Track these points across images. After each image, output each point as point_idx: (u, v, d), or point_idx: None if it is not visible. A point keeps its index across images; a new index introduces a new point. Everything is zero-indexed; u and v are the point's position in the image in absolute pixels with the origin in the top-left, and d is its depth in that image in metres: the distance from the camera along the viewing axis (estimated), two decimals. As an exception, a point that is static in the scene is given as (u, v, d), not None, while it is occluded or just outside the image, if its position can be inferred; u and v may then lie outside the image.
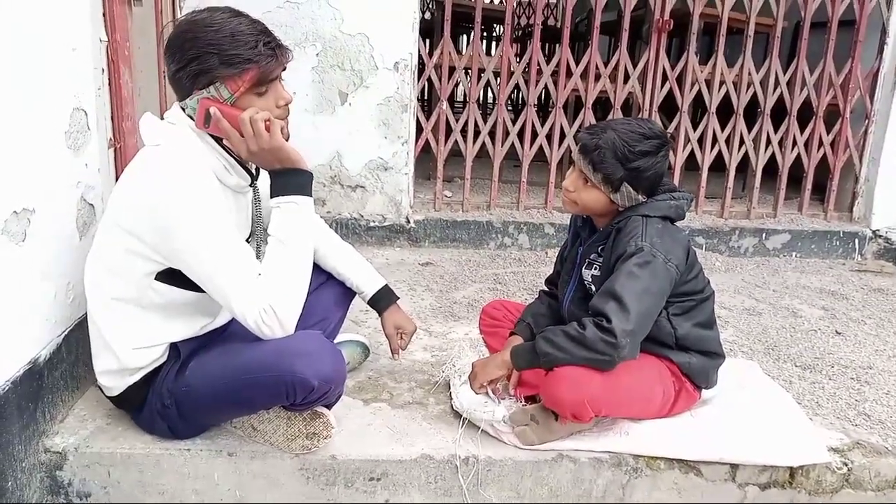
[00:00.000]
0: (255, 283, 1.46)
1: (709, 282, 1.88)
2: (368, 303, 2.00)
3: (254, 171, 1.64)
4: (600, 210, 1.80)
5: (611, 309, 1.64)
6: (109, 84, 2.07)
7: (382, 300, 1.99)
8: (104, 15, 2.02)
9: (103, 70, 2.02)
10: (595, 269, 1.82)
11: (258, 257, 1.57)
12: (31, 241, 1.59)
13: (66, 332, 1.77)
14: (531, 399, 1.82)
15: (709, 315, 1.87)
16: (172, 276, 1.53)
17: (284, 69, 1.56)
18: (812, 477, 1.79)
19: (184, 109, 1.52)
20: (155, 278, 1.53)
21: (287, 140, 1.55)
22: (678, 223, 1.84)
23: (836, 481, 1.80)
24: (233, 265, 1.45)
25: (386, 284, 2.01)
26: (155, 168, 1.48)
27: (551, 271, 2.09)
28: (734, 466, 1.77)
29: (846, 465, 1.81)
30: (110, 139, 2.09)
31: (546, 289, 2.09)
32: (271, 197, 1.53)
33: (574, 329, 1.67)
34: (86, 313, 1.65)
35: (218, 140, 1.54)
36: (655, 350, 1.79)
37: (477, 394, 1.83)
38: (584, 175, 1.76)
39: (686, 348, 1.81)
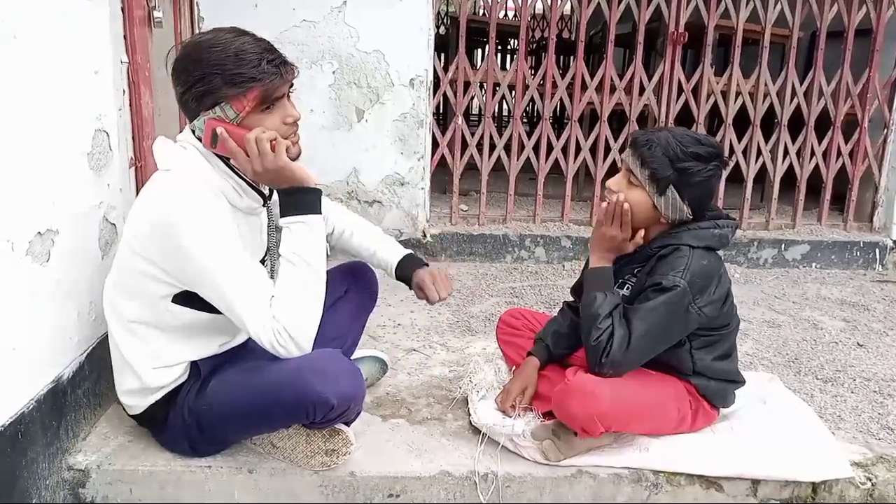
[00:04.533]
0: (267, 304, 1.47)
1: (736, 309, 1.85)
2: (396, 272, 1.93)
3: (266, 192, 1.64)
4: (642, 218, 1.73)
5: (619, 338, 1.65)
6: (130, 105, 2.10)
7: (409, 265, 1.92)
8: (125, 37, 2.06)
9: (124, 91, 2.05)
10: (626, 288, 1.80)
11: (273, 277, 1.57)
12: (54, 261, 1.61)
13: (88, 351, 1.79)
14: (549, 414, 1.82)
15: (730, 345, 1.84)
16: (188, 299, 1.54)
17: (292, 86, 1.56)
18: (835, 492, 1.77)
19: (193, 132, 1.54)
20: (171, 301, 1.55)
21: (298, 157, 1.55)
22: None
23: (859, 496, 1.77)
24: (245, 288, 1.46)
25: (410, 252, 1.97)
26: (165, 193, 1.49)
27: (569, 284, 2.07)
28: (755, 482, 1.75)
29: (870, 479, 1.78)
30: (131, 159, 2.12)
31: (570, 300, 2.03)
32: (280, 216, 1.54)
33: (598, 326, 1.67)
34: (107, 332, 1.67)
35: (227, 161, 1.55)
36: (672, 373, 1.79)
37: (504, 412, 1.83)
38: (629, 174, 1.73)
39: (703, 376, 1.80)
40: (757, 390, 2.07)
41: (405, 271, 1.92)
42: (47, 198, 1.59)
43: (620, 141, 3.57)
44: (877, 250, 3.72)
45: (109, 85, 1.89)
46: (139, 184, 2.14)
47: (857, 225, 3.82)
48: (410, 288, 1.93)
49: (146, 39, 2.18)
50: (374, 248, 1.96)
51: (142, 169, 2.17)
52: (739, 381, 1.88)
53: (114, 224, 1.91)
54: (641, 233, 1.74)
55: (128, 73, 2.08)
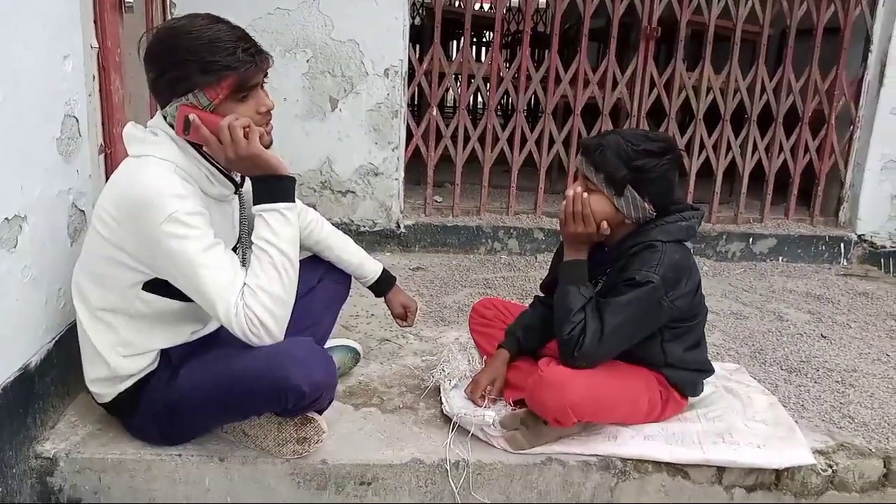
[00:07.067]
0: (239, 292, 1.46)
1: (704, 299, 1.87)
2: (371, 286, 2.11)
3: (238, 180, 1.63)
4: (606, 221, 1.74)
5: (592, 332, 1.67)
6: (100, 90, 2.08)
7: (384, 283, 2.12)
8: (95, 22, 2.03)
9: (94, 77, 2.02)
10: (599, 287, 1.81)
11: (244, 265, 1.56)
12: (22, 247, 1.59)
13: (57, 338, 1.77)
14: (520, 403, 1.84)
15: (699, 334, 1.87)
16: (159, 286, 1.53)
17: (266, 75, 1.55)
18: (797, 479, 1.81)
19: (165, 118, 1.52)
20: (142, 288, 1.54)
21: (270, 146, 1.54)
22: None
23: (821, 483, 1.82)
24: (216, 275, 1.45)
25: (384, 268, 2.12)
26: (135, 179, 1.47)
27: (541, 276, 2.08)
28: (721, 469, 1.79)
29: (831, 467, 1.83)
30: (101, 145, 2.10)
31: (541, 295, 2.06)
32: (254, 204, 1.53)
33: (571, 319, 1.69)
34: (76, 319, 1.65)
35: (199, 149, 1.54)
36: (644, 364, 1.81)
37: (474, 403, 1.84)
38: (586, 181, 1.74)
39: (674, 367, 1.83)
40: (723, 380, 2.11)
41: (382, 289, 2.13)
42: (15, 184, 1.57)
43: (593, 134, 3.59)
44: (842, 245, 3.79)
45: (79, 70, 1.86)
46: (109, 170, 2.12)
47: (823, 220, 3.90)
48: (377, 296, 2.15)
49: (117, 24, 2.16)
50: (354, 261, 2.07)
51: (111, 155, 2.14)
52: (709, 371, 1.91)
53: (83, 211, 1.89)
54: (604, 224, 1.74)
55: (98, 58, 2.05)
